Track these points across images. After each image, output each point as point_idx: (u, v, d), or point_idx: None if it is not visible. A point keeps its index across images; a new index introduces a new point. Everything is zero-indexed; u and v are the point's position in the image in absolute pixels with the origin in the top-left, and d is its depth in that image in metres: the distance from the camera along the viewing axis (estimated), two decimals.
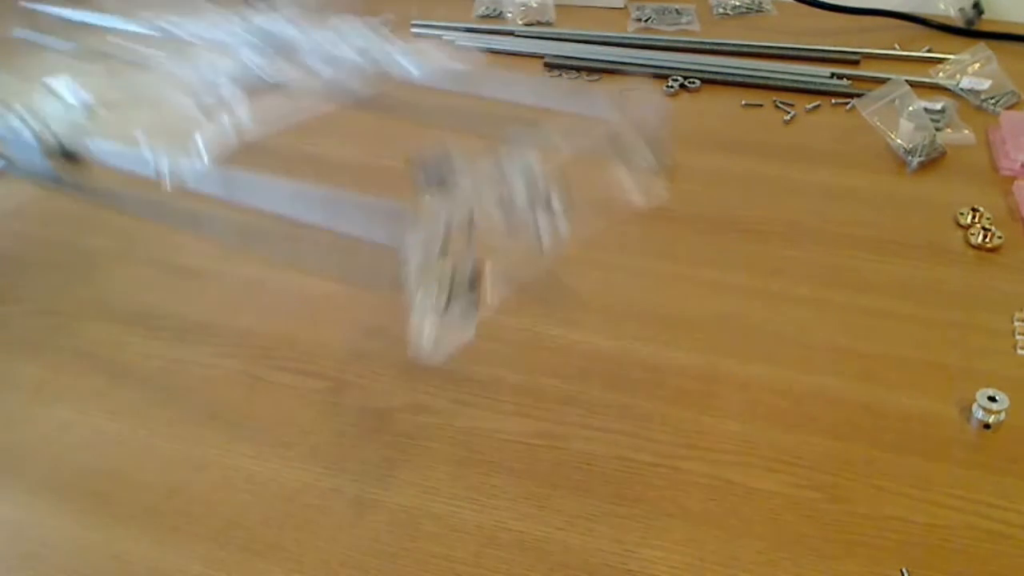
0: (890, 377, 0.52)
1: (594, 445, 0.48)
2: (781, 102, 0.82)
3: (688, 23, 0.99)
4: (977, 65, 0.83)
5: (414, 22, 1.01)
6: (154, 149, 0.57)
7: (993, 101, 0.80)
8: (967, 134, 0.75)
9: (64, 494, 0.47)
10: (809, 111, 0.81)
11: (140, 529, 0.44)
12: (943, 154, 0.73)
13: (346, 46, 0.75)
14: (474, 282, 0.44)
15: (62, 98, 0.69)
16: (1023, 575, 0.41)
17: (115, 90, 0.75)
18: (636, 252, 0.63)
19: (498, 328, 0.56)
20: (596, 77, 0.89)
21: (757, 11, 1.03)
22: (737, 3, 1.04)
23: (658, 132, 0.58)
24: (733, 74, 0.87)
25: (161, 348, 0.56)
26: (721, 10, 1.04)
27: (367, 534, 0.44)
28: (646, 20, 1.00)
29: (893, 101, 0.75)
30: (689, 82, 0.86)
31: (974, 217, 0.64)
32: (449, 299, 0.43)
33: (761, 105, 0.82)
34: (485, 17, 1.05)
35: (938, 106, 0.77)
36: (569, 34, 0.98)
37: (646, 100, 0.77)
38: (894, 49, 0.91)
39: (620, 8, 1.05)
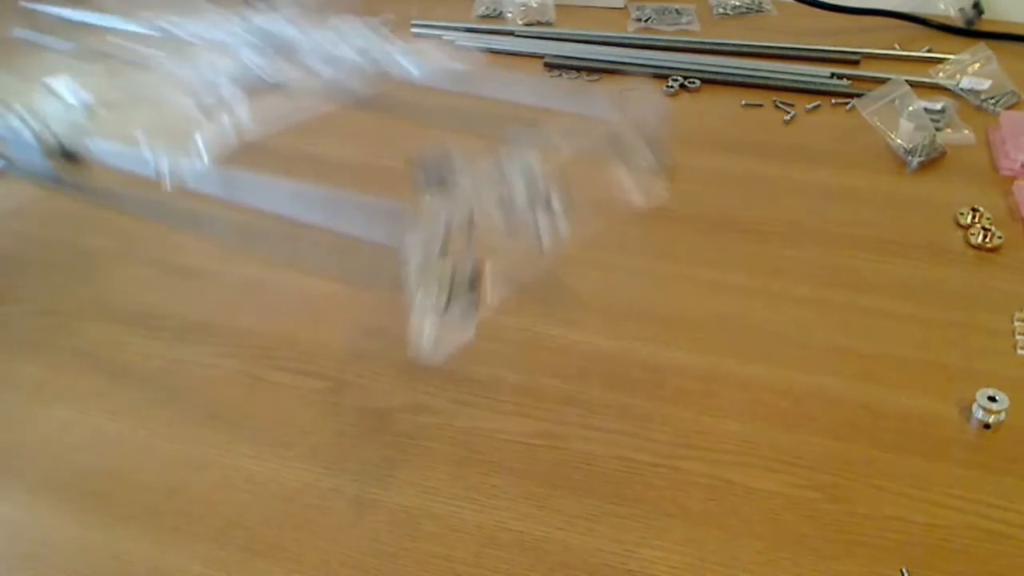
0: (890, 377, 0.52)
1: (594, 445, 0.48)
2: (781, 102, 0.82)
3: (688, 23, 0.99)
4: (977, 65, 0.83)
5: (414, 22, 1.01)
6: (154, 149, 0.57)
7: (993, 101, 0.80)
8: (967, 134, 0.75)
9: (64, 494, 0.47)
10: (809, 111, 0.81)
11: (140, 529, 0.44)
12: (943, 154, 0.73)
13: (346, 46, 0.75)
14: (474, 282, 0.44)
15: (62, 98, 0.69)
16: (1023, 575, 0.41)
17: (115, 90, 0.75)
18: (636, 252, 0.63)
19: (498, 328, 0.56)
20: (596, 77, 0.89)
21: (757, 11, 1.03)
22: (737, 3, 1.04)
23: (658, 132, 0.58)
24: (733, 74, 0.87)
25: (161, 348, 0.56)
26: (721, 10, 1.04)
27: (367, 534, 0.44)
28: (646, 20, 1.00)
29: (893, 101, 0.75)
30: (689, 82, 0.86)
31: (974, 217, 0.64)
32: (449, 299, 0.43)
33: (761, 105, 0.82)
34: (485, 17, 1.05)
35: (938, 106, 0.77)
36: (569, 34, 0.98)
37: (646, 100, 0.77)
38: (894, 49, 0.91)
39: (620, 8, 1.05)
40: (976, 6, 0.95)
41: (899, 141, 0.73)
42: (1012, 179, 0.69)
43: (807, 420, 0.49)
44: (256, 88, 0.72)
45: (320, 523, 0.44)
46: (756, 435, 0.48)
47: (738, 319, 0.56)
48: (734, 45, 0.93)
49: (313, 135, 0.77)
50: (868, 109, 0.75)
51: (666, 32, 0.97)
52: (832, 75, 0.86)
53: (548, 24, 1.02)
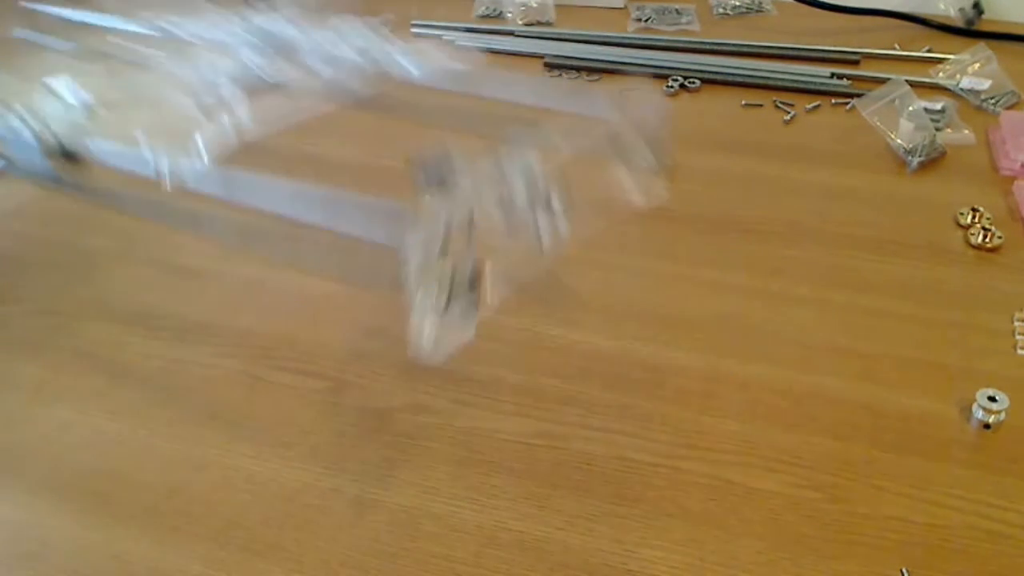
0: (890, 377, 0.52)
1: (594, 445, 0.48)
2: (781, 102, 0.82)
3: (688, 23, 0.99)
4: (977, 65, 0.83)
5: (414, 22, 1.01)
6: (154, 149, 0.57)
7: (993, 101, 0.80)
8: (967, 134, 0.75)
9: (64, 494, 0.47)
10: (809, 111, 0.81)
11: (140, 529, 0.44)
12: (943, 154, 0.73)
13: (346, 46, 0.75)
14: (474, 282, 0.44)
15: (62, 98, 0.69)
16: (1023, 575, 0.41)
17: (115, 90, 0.75)
18: (636, 252, 0.63)
19: (498, 328, 0.56)
20: (596, 77, 0.89)
21: (757, 11, 1.03)
22: (737, 3, 1.04)
23: (658, 132, 0.58)
24: (733, 74, 0.87)
25: (161, 348, 0.56)
26: (721, 10, 1.04)
27: (367, 534, 0.44)
28: (646, 20, 1.00)
29: (893, 101, 0.75)
30: (689, 82, 0.86)
31: (974, 217, 0.64)
32: (449, 299, 0.43)
33: (761, 105, 0.82)
34: (485, 17, 1.05)
35: (938, 106, 0.77)
36: (569, 34, 0.98)
37: (646, 100, 0.77)
38: (894, 49, 0.91)
39: (620, 8, 1.05)
40: (976, 6, 0.95)
41: (899, 141, 0.73)
42: (1012, 179, 0.69)
43: (807, 420, 0.49)
44: (256, 88, 0.72)
45: (320, 523, 0.44)
46: (756, 435, 0.48)
47: (738, 319, 0.56)
48: (734, 45, 0.93)
49: (313, 135, 0.77)
50: (868, 109, 0.75)
51: (666, 32, 0.97)
52: (832, 75, 0.86)
53: (548, 24, 1.02)
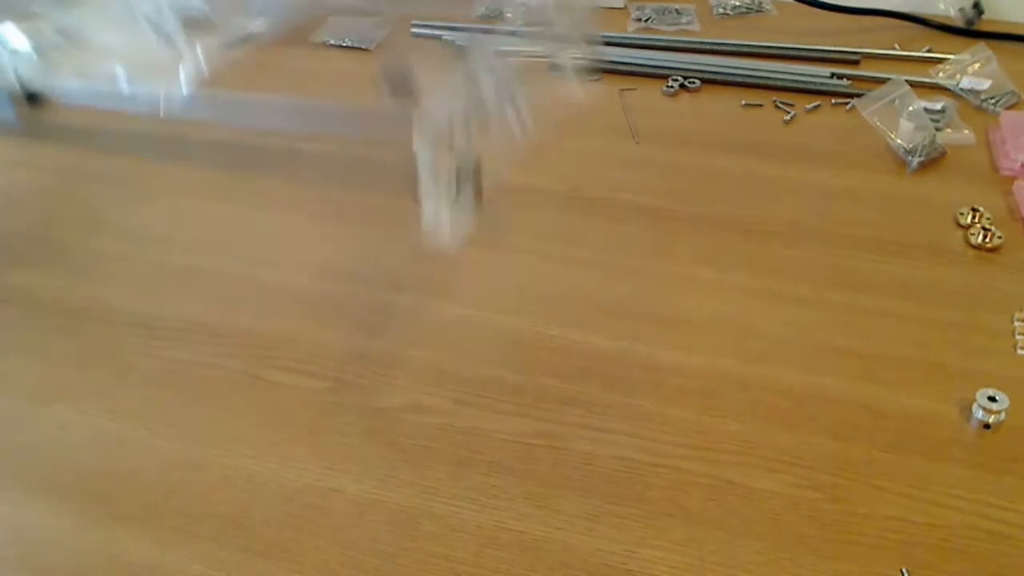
0: (890, 377, 0.52)
1: (594, 445, 0.48)
2: (781, 102, 0.82)
3: (688, 23, 0.99)
4: (977, 65, 0.83)
5: (414, 22, 1.01)
6: (131, 80, 0.55)
7: (993, 101, 0.80)
8: (967, 134, 0.75)
9: (64, 494, 0.47)
10: (809, 111, 0.81)
11: (140, 529, 0.44)
12: (943, 154, 0.73)
13: None
14: (475, 173, 0.47)
15: (11, 42, 0.67)
16: (1023, 575, 0.41)
17: (73, 25, 0.73)
18: (636, 252, 0.63)
19: (498, 328, 0.56)
20: (596, 77, 0.89)
21: (757, 11, 1.03)
22: (737, 3, 1.04)
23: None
24: (733, 74, 0.87)
25: (161, 348, 0.56)
26: (721, 10, 1.03)
27: (367, 534, 0.44)
28: (646, 20, 1.00)
29: (893, 101, 0.75)
30: (689, 82, 0.86)
31: (974, 217, 0.64)
32: (458, 189, 0.46)
33: (761, 105, 0.82)
34: (485, 17, 1.05)
35: (938, 106, 0.77)
36: None
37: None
38: (894, 49, 0.91)
39: (620, 8, 1.05)
40: (976, 6, 0.95)
41: (899, 141, 0.73)
42: (1012, 179, 0.69)
43: (807, 420, 0.49)
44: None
45: (320, 523, 0.44)
46: (756, 435, 0.48)
47: (738, 319, 0.56)
48: (734, 45, 0.92)
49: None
50: (868, 109, 0.75)
51: (666, 32, 0.97)
52: (832, 75, 0.86)
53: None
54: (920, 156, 0.71)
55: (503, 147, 0.49)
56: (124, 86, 0.55)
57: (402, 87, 0.47)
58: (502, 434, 0.49)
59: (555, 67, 0.56)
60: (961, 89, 0.82)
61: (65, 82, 0.58)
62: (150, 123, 0.56)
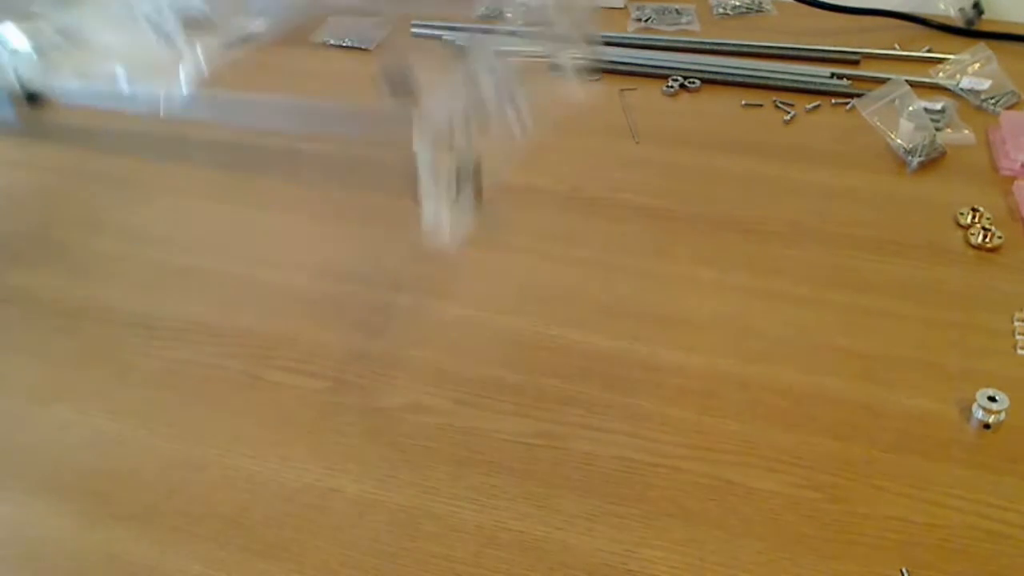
0: (890, 377, 0.52)
1: (594, 445, 0.48)
2: (781, 102, 0.82)
3: (688, 23, 0.99)
4: (977, 65, 0.83)
5: (414, 22, 1.01)
6: (131, 80, 0.55)
7: (993, 101, 0.80)
8: (967, 134, 0.75)
9: (64, 494, 0.47)
10: (809, 111, 0.81)
11: (140, 529, 0.44)
12: (943, 154, 0.73)
13: None
14: (475, 173, 0.47)
15: (11, 42, 0.67)
16: (1023, 575, 0.41)
17: (73, 25, 0.73)
18: (636, 252, 0.63)
19: (498, 328, 0.56)
20: (597, 77, 0.89)
21: (757, 11, 1.03)
22: (737, 3, 1.04)
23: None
24: (733, 74, 0.87)
25: (161, 348, 0.56)
26: (721, 10, 1.03)
27: (367, 534, 0.44)
28: (646, 20, 1.00)
29: (893, 101, 0.75)
30: (689, 82, 0.86)
31: (974, 217, 0.64)
32: (458, 189, 0.46)
33: (761, 105, 0.82)
34: (485, 17, 1.05)
35: (938, 106, 0.77)
36: None
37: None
38: (894, 49, 0.91)
39: (620, 8, 1.05)
40: (976, 6, 0.95)
41: (899, 141, 0.73)
42: (1012, 179, 0.69)
43: (807, 420, 0.49)
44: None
45: (320, 523, 0.44)
46: (756, 435, 0.48)
47: (738, 319, 0.56)
48: (734, 45, 0.92)
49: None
50: (868, 109, 0.75)
51: (666, 32, 0.97)
52: (832, 75, 0.86)
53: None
54: (920, 156, 0.71)
55: (503, 147, 0.50)
56: (124, 86, 0.55)
57: (402, 87, 0.48)
58: (502, 434, 0.49)
59: (555, 67, 0.56)
60: (961, 89, 0.82)
61: (65, 82, 0.58)
62: (150, 123, 0.56)
